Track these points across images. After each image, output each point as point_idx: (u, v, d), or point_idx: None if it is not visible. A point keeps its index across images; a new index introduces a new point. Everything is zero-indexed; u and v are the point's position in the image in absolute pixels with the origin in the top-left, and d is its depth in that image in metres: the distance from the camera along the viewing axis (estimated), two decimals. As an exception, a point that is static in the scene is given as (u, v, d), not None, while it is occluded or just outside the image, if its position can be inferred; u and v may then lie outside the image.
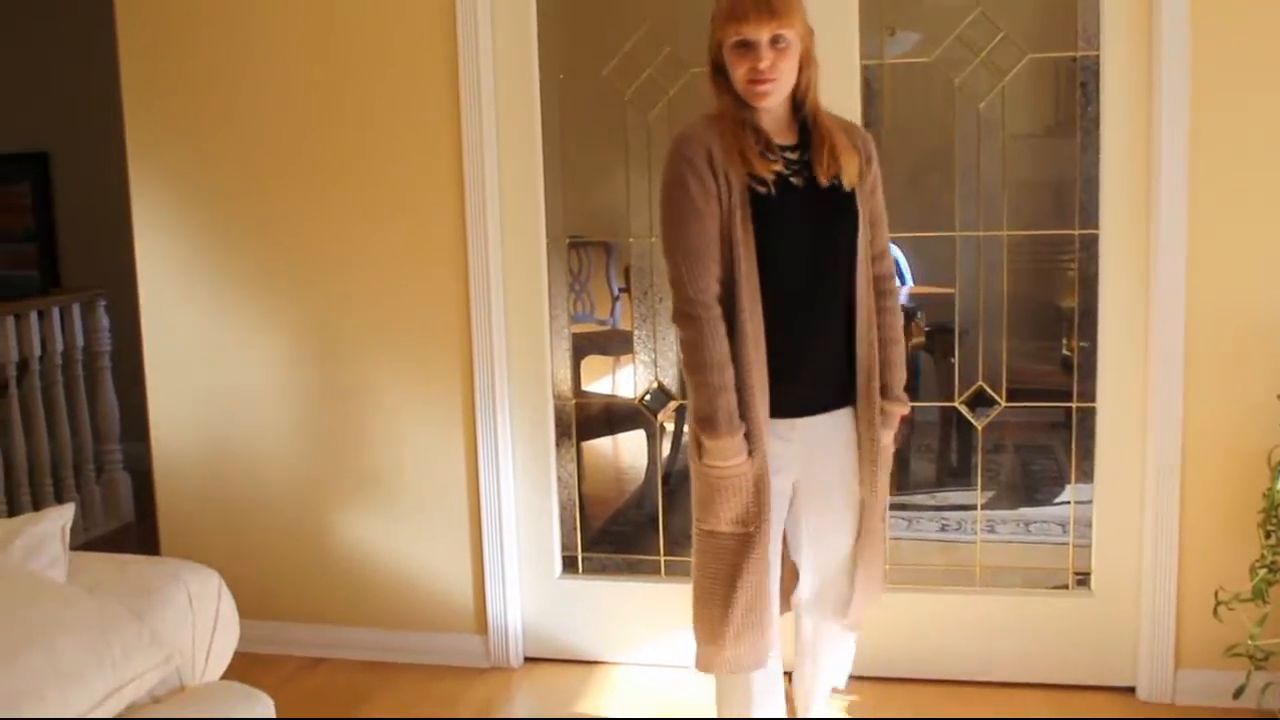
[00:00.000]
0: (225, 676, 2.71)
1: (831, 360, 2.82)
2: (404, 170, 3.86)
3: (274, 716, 2.48)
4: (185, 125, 4.01)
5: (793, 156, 2.75)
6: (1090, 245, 3.57)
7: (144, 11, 3.99)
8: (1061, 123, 4.06)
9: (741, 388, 2.69)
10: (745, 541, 2.75)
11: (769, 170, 2.68)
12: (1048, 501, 5.22)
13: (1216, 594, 3.37)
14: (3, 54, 6.80)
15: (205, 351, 4.10)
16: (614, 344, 6.46)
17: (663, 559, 3.99)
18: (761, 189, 2.67)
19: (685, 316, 2.68)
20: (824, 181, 2.73)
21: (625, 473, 5.66)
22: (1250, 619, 3.30)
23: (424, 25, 3.78)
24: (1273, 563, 3.25)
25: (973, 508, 4.01)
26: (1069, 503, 3.83)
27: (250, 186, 3.99)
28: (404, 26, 3.80)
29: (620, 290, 6.52)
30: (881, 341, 2.87)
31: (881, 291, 2.90)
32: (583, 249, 6.11)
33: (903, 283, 5.37)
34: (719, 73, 2.72)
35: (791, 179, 2.72)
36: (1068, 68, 3.72)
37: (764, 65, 2.61)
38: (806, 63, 2.71)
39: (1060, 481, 5.33)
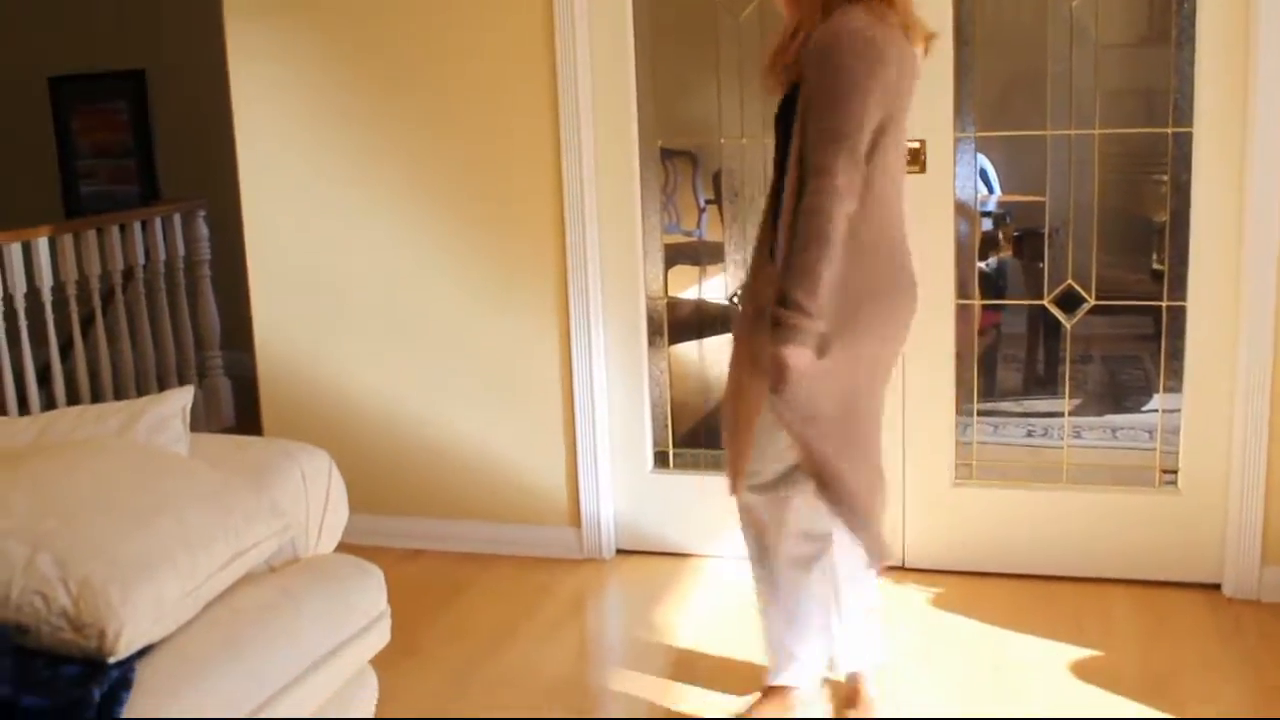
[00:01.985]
0: (333, 556, 2.85)
1: None
2: (500, 77, 3.93)
3: (383, 586, 2.60)
4: (286, 37, 4.10)
5: None
6: (1184, 143, 3.55)
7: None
8: (1156, 20, 4.00)
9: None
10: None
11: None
12: (1135, 409, 5.22)
13: (1306, 491, 3.39)
14: (101, -29, 6.94)
15: (306, 257, 4.22)
16: (701, 255, 6.51)
17: (752, 455, 4.06)
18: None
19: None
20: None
21: (715, 376, 5.73)
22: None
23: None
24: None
25: (1059, 414, 4.02)
26: (1157, 410, 3.84)
27: (349, 97, 4.08)
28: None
29: (707, 202, 6.55)
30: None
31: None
32: (669, 160, 6.14)
33: (991, 191, 5.36)
34: None
35: None
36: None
37: None
38: None
39: (1148, 390, 5.32)
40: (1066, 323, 3.82)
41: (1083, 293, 3.78)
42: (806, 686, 3.03)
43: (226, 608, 2.29)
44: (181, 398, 2.66)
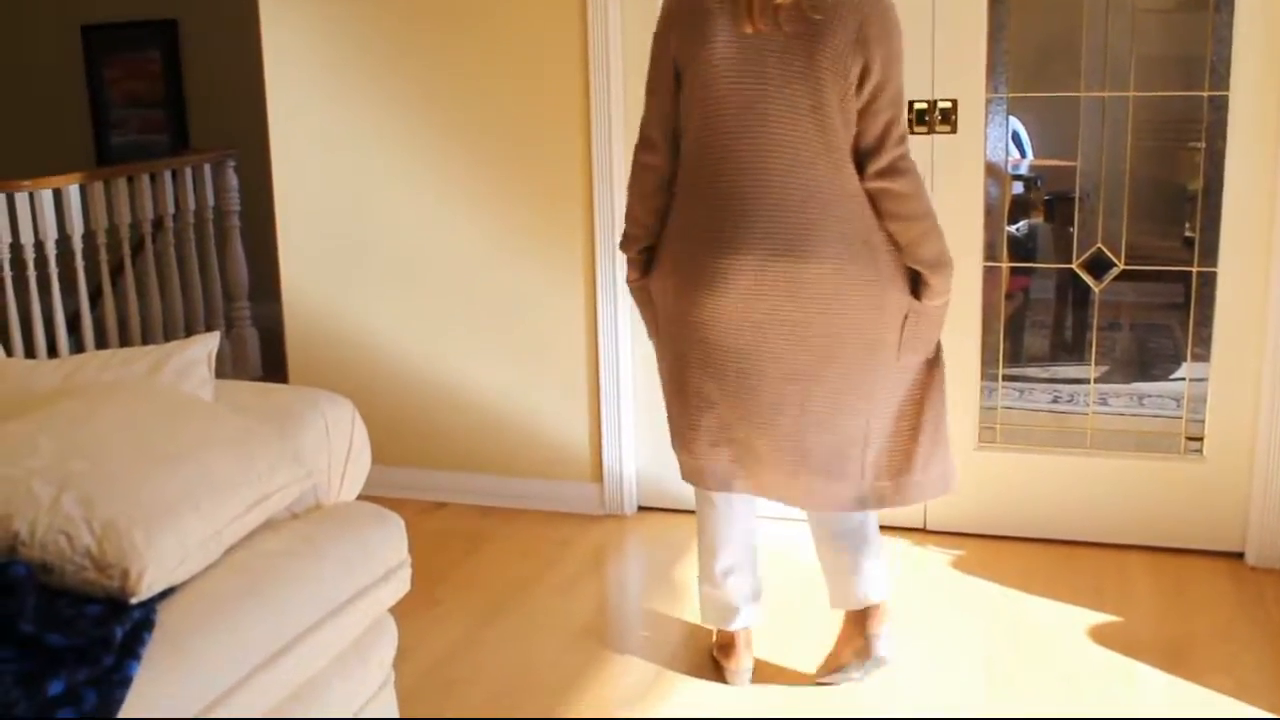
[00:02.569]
0: (357, 504, 2.87)
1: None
2: (530, 25, 3.92)
3: (404, 534, 2.61)
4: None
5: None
6: (1220, 107, 3.51)
7: None
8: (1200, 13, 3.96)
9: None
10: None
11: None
12: (1163, 377, 5.18)
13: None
14: (133, -80, 6.94)
15: (334, 209, 4.23)
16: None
17: (774, 415, 4.06)
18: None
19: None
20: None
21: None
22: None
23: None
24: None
25: (1086, 381, 4.00)
26: (1184, 379, 3.82)
27: (379, 48, 4.08)
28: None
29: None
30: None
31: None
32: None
33: (1023, 155, 5.31)
34: None
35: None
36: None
37: None
38: None
39: (1176, 359, 5.27)
40: (1095, 287, 3.80)
41: (1112, 257, 3.75)
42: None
43: (249, 552, 2.30)
44: (208, 343, 2.68)
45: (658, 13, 3.75)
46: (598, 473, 4.12)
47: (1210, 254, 3.59)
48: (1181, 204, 5.07)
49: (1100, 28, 3.63)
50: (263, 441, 2.40)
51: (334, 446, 2.70)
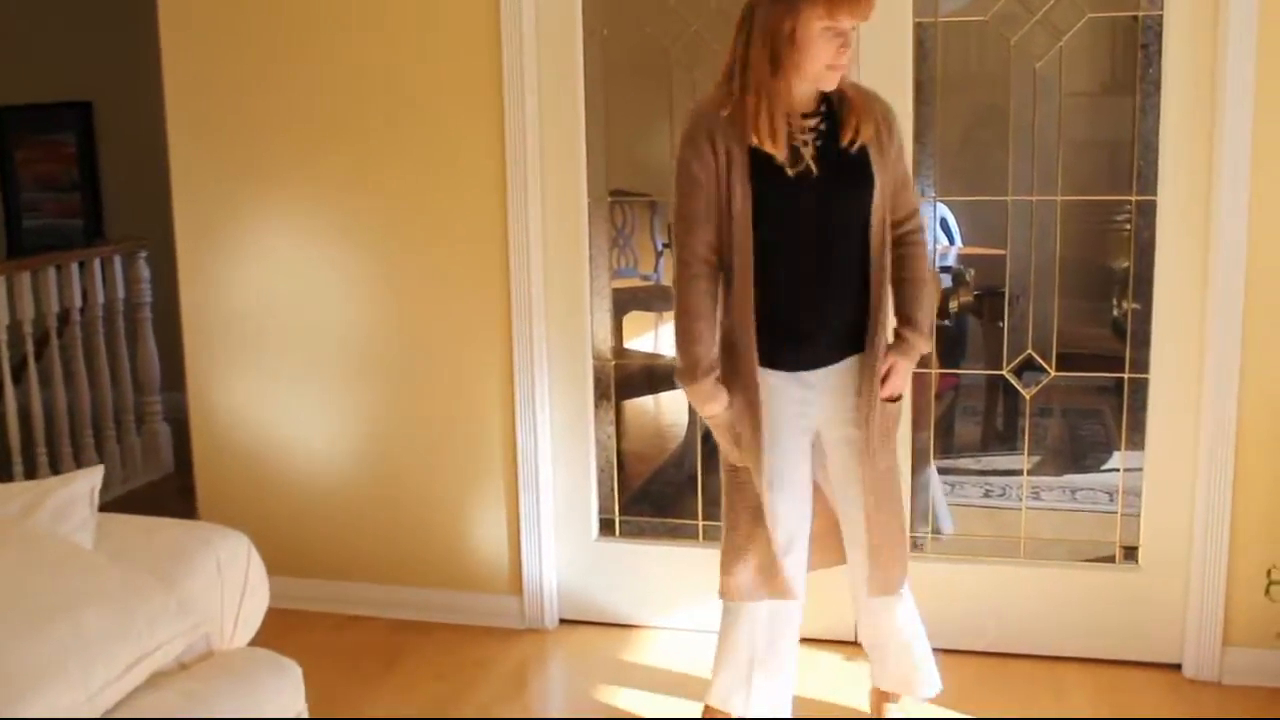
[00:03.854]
0: (258, 635, 2.69)
1: (842, 318, 2.89)
2: (444, 124, 3.80)
3: (301, 684, 2.45)
4: (224, 74, 3.96)
5: (810, 124, 2.82)
6: (1147, 211, 3.45)
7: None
8: (1120, 85, 3.92)
9: (730, 341, 2.88)
10: (734, 478, 2.95)
11: (781, 147, 2.75)
12: (1095, 468, 5.13)
13: (1269, 573, 3.28)
14: (45, 2, 6.76)
15: (241, 304, 4.06)
16: (657, 300, 6.38)
17: (701, 523, 3.93)
18: (775, 159, 2.76)
19: (675, 269, 2.87)
20: (844, 145, 2.79)
21: (665, 430, 5.61)
22: (1303, 599, 3.22)
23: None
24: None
25: (1018, 473, 3.92)
26: (1117, 470, 3.74)
27: (290, 140, 3.94)
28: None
29: (664, 245, 6.43)
30: (903, 280, 2.94)
31: (908, 243, 2.95)
32: (626, 204, 6.03)
33: (951, 243, 5.27)
34: (793, 45, 2.70)
35: (802, 149, 2.79)
36: (1128, 27, 3.59)
37: (849, 52, 2.71)
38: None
39: (1108, 448, 5.23)
40: (1026, 393, 3.71)
41: (1043, 363, 3.67)
42: None
43: (130, 714, 2.13)
44: (89, 479, 2.51)
45: (572, 116, 3.72)
46: (517, 585, 3.96)
47: (1141, 351, 3.52)
48: (1112, 286, 5.05)
49: (1027, 116, 3.57)
50: (143, 593, 2.23)
51: (227, 586, 2.54)
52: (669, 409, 5.57)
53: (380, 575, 4.07)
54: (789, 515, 2.94)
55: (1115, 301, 5.39)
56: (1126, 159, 3.53)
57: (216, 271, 4.08)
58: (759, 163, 2.77)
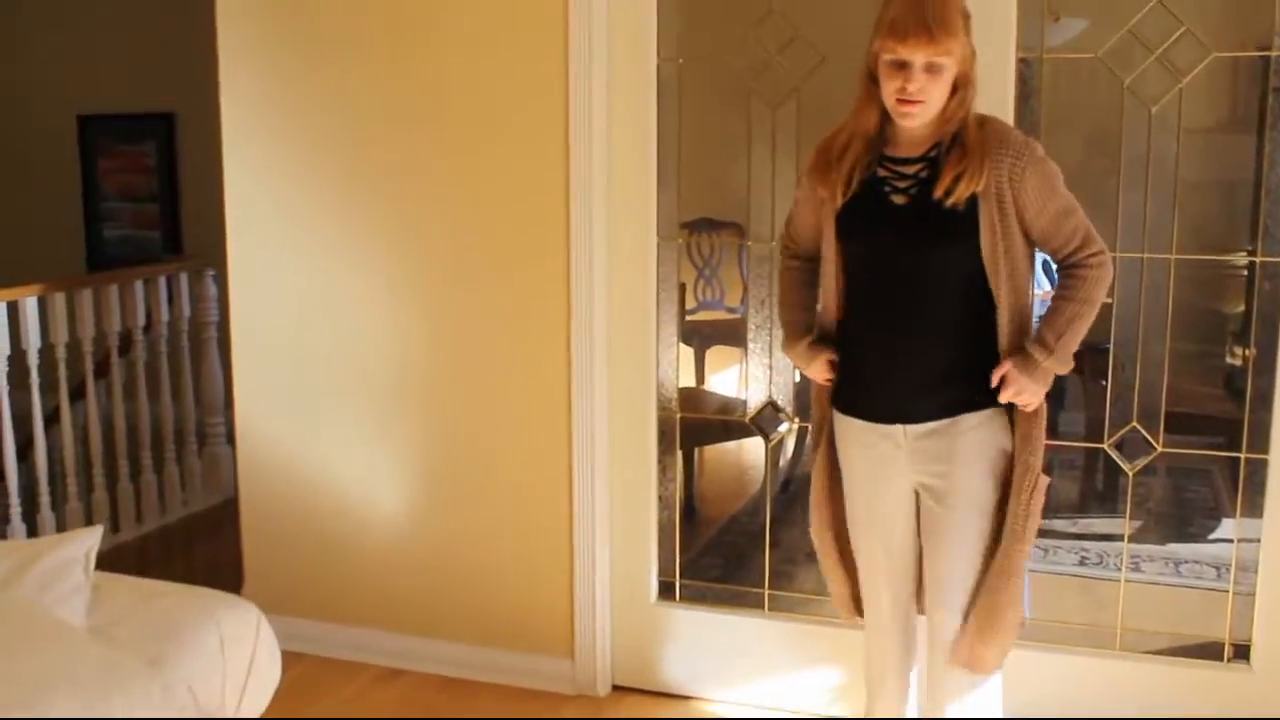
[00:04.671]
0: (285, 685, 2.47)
1: (923, 374, 2.72)
2: (509, 155, 3.57)
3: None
4: (281, 97, 3.78)
5: (909, 170, 2.67)
6: (1274, 275, 3.11)
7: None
8: (1245, 133, 3.57)
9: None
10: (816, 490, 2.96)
11: (841, 190, 2.69)
12: (1202, 537, 4.76)
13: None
14: (132, 12, 6.69)
15: (294, 332, 3.88)
16: (743, 335, 6.10)
17: (767, 592, 3.65)
18: (838, 202, 2.70)
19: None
20: (938, 195, 2.61)
21: (742, 476, 5.33)
22: None
23: (534, 5, 3.47)
24: None
25: (1117, 538, 3.56)
26: (1227, 541, 3.38)
27: (348, 170, 3.74)
28: (514, 7, 3.50)
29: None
30: (1054, 297, 2.72)
31: (1074, 264, 2.69)
32: (714, 232, 5.77)
33: (1051, 284, 4.94)
34: (870, 78, 2.66)
35: (893, 196, 2.67)
36: (1256, 68, 3.25)
37: (913, 88, 2.55)
38: (962, 85, 2.61)
39: (1217, 513, 4.86)
40: (1129, 470, 3.37)
41: (1148, 438, 3.33)
42: None
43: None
44: (86, 540, 2.31)
45: (648, 129, 3.46)
46: (570, 646, 3.70)
47: (1260, 438, 3.17)
48: (1225, 359, 4.68)
49: (1140, 164, 3.24)
50: (124, 677, 2.02)
51: (230, 664, 2.32)
52: (749, 452, 5.30)
53: (426, 627, 3.85)
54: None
55: (1230, 356, 5.02)
56: (1250, 211, 3.18)
57: (270, 294, 3.90)
58: (855, 203, 2.69)
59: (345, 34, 3.68)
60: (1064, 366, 2.67)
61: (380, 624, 3.89)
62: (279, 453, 3.95)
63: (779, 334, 3.78)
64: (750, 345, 3.87)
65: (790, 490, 4.67)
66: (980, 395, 2.70)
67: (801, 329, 2.90)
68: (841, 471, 2.89)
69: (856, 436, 2.81)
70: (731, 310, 6.03)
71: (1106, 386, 4.03)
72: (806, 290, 2.93)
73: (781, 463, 4.78)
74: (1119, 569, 4.28)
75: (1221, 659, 3.29)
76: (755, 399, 3.82)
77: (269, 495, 3.98)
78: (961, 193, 2.58)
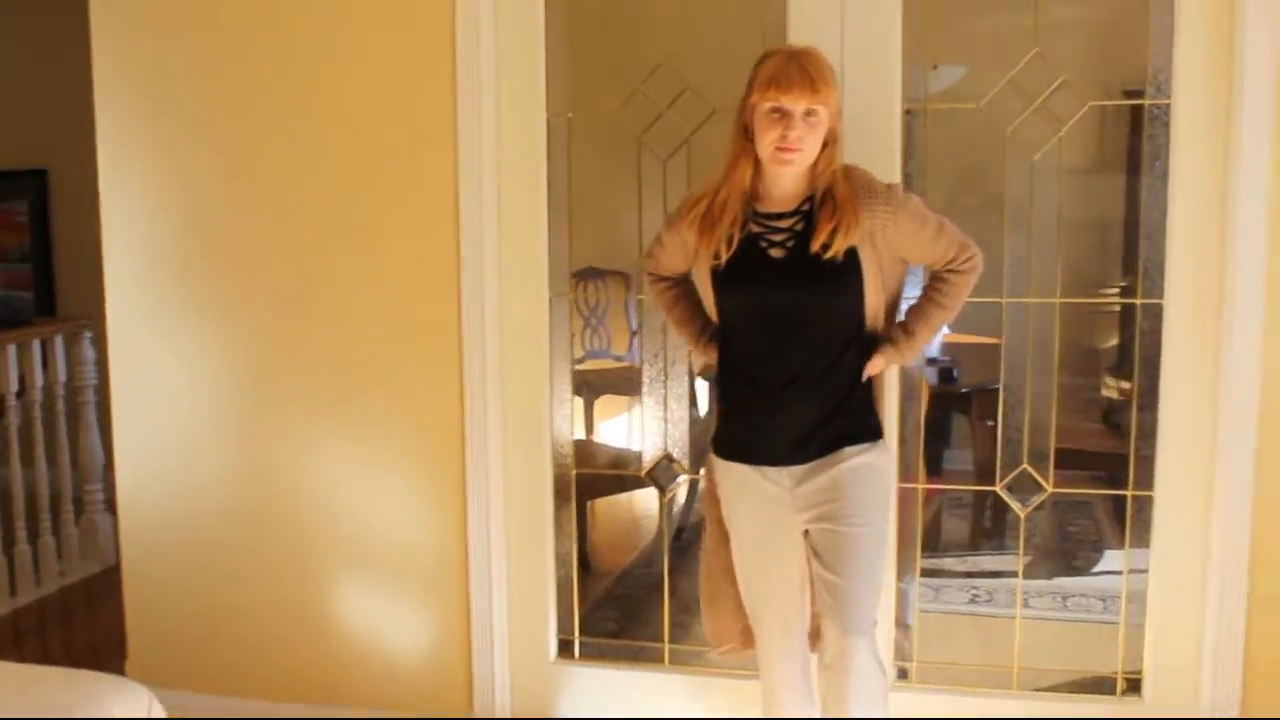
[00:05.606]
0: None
1: (806, 422, 2.78)
2: (396, 214, 3.52)
3: None
4: (162, 153, 3.68)
5: (784, 225, 2.76)
6: (1154, 315, 3.20)
7: (118, 19, 3.65)
8: (1124, 178, 3.68)
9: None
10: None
11: (725, 249, 2.75)
12: (1086, 570, 4.84)
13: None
14: (3, 67, 6.52)
15: (173, 392, 3.76)
16: (631, 383, 6.08)
17: (667, 646, 3.62)
18: (714, 262, 2.77)
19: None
20: (815, 250, 2.69)
21: (633, 528, 5.32)
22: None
23: (422, 63, 3.44)
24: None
25: (1007, 575, 3.62)
26: (1111, 573, 3.44)
27: (234, 227, 3.65)
28: (401, 64, 3.46)
29: (640, 325, 6.15)
30: (925, 296, 2.85)
31: (948, 269, 2.81)
32: (599, 280, 5.77)
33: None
34: (743, 134, 2.75)
35: (770, 250, 2.75)
36: (1133, 116, 3.35)
37: (794, 135, 2.64)
38: (831, 140, 2.72)
39: (1100, 546, 4.95)
40: (1021, 511, 3.43)
41: (1039, 479, 3.39)
42: None
43: None
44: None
45: (531, 197, 3.44)
46: (467, 708, 3.63)
47: (1146, 474, 3.25)
48: (1106, 408, 4.80)
49: (1023, 210, 3.31)
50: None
51: (121, 748, 2.22)
52: (639, 503, 5.30)
53: (323, 695, 3.74)
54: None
55: (1108, 391, 5.15)
56: (1130, 255, 3.27)
57: (148, 351, 3.77)
58: (734, 259, 2.76)
59: (226, 93, 3.60)
60: (916, 356, 2.88)
61: (275, 694, 3.77)
62: (163, 519, 3.82)
63: (675, 385, 3.82)
64: (645, 397, 3.84)
65: (683, 540, 4.66)
66: (861, 429, 2.80)
67: (705, 335, 3.00)
68: (723, 518, 2.95)
69: (740, 481, 2.87)
70: (619, 359, 6.03)
71: (995, 427, 4.11)
72: (689, 300, 3.03)
73: (674, 511, 4.78)
74: (1009, 605, 4.38)
75: (1115, 692, 3.35)
76: (650, 451, 3.80)
77: (153, 563, 3.84)
78: (840, 245, 2.66)
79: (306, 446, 3.67)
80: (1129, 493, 3.30)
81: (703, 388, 4.48)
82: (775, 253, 2.75)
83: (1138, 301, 3.25)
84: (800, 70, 2.64)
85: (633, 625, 4.15)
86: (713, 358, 2.97)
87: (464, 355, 3.50)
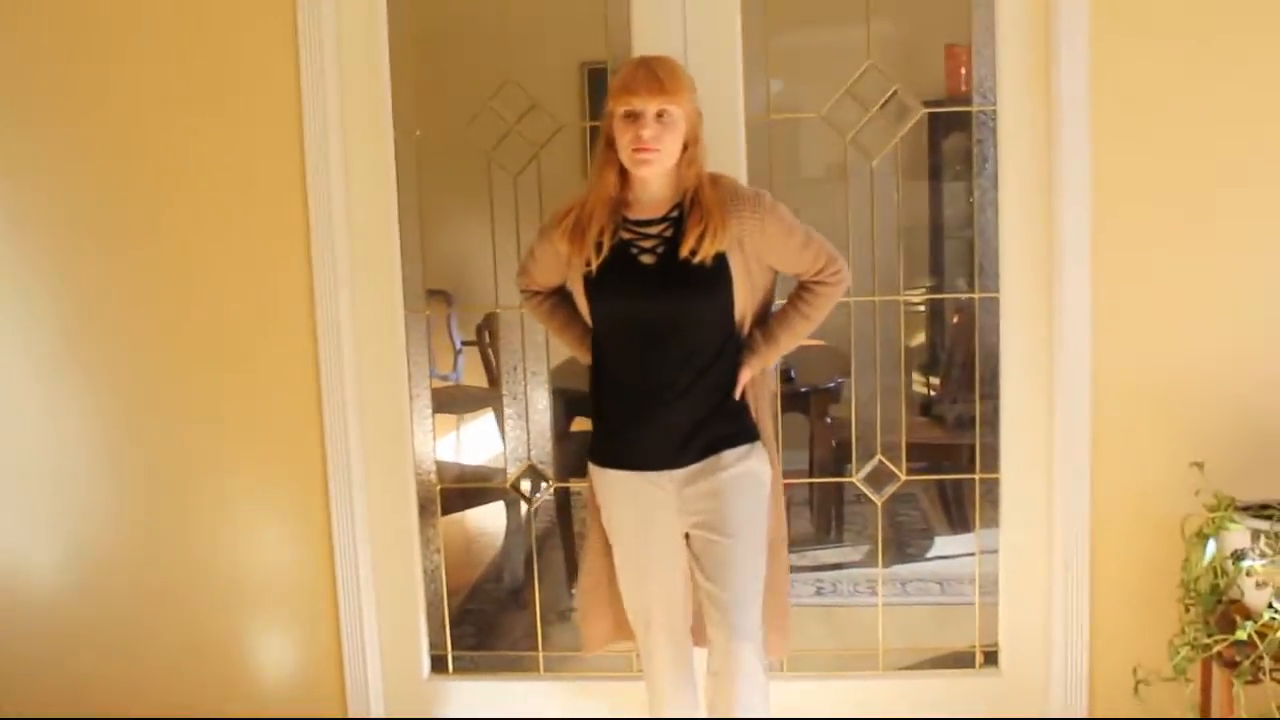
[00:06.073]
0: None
1: (682, 425, 2.83)
2: (245, 236, 3.48)
3: None
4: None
5: (653, 231, 2.81)
6: (991, 308, 3.39)
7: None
8: (959, 179, 3.88)
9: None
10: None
11: (595, 256, 2.80)
12: (919, 557, 5.05)
13: (1135, 672, 3.20)
14: None
15: (10, 421, 3.64)
16: (459, 401, 6.07)
17: (541, 654, 3.67)
18: (585, 269, 2.81)
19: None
20: (683, 255, 2.74)
21: (484, 539, 5.32)
22: (1170, 698, 3.15)
23: (264, 81, 3.41)
24: (1194, 638, 3.08)
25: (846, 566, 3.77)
26: (943, 558, 3.63)
27: (74, 242, 3.55)
28: (243, 83, 3.43)
29: (463, 343, 6.15)
30: (791, 305, 2.94)
31: (815, 281, 2.92)
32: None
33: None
34: (608, 143, 2.81)
35: (641, 256, 2.80)
36: (964, 122, 3.54)
37: (647, 134, 2.71)
38: (691, 142, 2.79)
39: (928, 534, 5.16)
40: (878, 500, 3.58)
41: (893, 468, 3.56)
42: None
43: None
44: None
45: (382, 213, 3.43)
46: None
47: (991, 460, 3.44)
48: (938, 401, 5.01)
49: (865, 213, 3.46)
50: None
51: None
52: (492, 515, 5.30)
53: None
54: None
55: (922, 387, 5.38)
56: (968, 255, 3.46)
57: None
58: (604, 266, 2.80)
59: (71, 91, 3.49)
60: (775, 358, 2.95)
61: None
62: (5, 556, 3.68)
63: (534, 398, 3.87)
64: (507, 409, 3.88)
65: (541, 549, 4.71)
66: (738, 430, 2.87)
67: (588, 339, 2.98)
68: (604, 525, 2.99)
69: (620, 487, 2.91)
70: (444, 377, 6.04)
71: (832, 425, 4.27)
72: (566, 309, 3.04)
73: (521, 523, 4.82)
74: (851, 595, 4.55)
75: (974, 666, 3.53)
76: (513, 464, 3.83)
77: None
78: (707, 250, 2.73)
79: (159, 473, 3.60)
80: (977, 476, 3.49)
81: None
82: (645, 259, 2.80)
83: (976, 296, 3.44)
84: (648, 72, 2.72)
85: (491, 639, 4.18)
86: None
87: (321, 376, 3.48)
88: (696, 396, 2.83)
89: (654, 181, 2.80)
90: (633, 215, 2.83)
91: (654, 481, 2.87)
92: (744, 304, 2.83)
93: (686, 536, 2.91)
